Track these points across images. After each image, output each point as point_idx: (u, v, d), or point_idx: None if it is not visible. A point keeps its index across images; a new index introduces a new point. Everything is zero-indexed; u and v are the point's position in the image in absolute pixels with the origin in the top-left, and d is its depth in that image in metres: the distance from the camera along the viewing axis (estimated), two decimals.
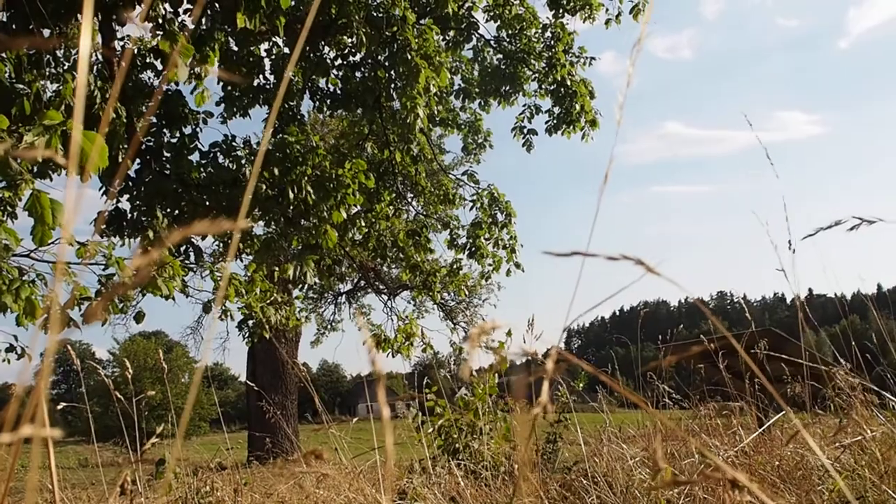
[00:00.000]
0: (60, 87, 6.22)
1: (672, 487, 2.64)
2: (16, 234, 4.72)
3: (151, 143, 7.31)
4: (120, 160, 6.45)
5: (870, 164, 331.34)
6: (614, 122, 0.98)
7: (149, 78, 7.66)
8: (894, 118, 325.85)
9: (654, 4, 11.80)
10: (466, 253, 12.11)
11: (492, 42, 12.32)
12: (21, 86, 5.92)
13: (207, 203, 7.16)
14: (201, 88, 8.15)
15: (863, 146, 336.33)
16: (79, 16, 6.32)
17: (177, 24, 6.64)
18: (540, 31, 11.81)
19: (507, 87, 12.46)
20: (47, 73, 6.55)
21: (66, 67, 6.89)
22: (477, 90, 13.38)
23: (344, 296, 24.76)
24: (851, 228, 1.63)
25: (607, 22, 11.77)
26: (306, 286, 8.66)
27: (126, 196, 7.14)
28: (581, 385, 6.18)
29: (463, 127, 15.45)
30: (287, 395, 19.09)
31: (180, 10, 6.78)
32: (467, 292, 18.36)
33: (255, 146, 7.86)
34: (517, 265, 12.15)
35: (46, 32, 6.39)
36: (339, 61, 9.41)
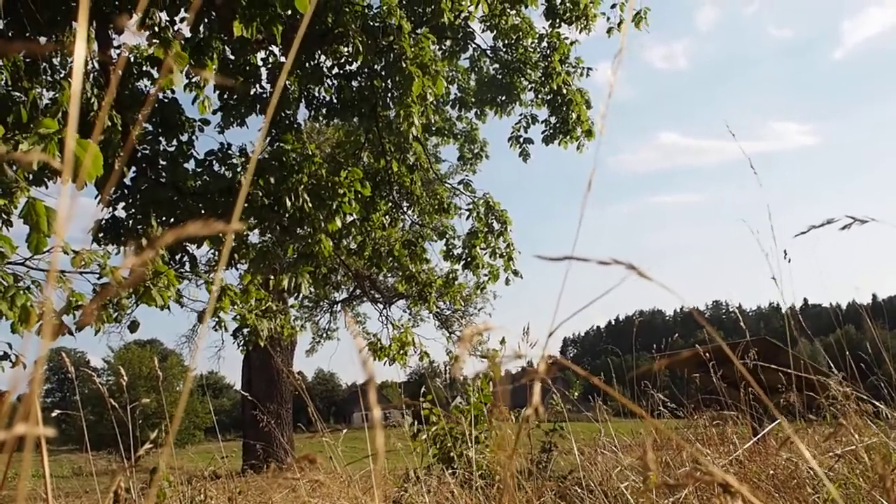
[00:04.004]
0: (57, 95, 6.23)
1: (661, 490, 2.64)
2: (11, 241, 4.71)
3: (147, 151, 7.31)
4: (116, 168, 6.45)
5: (860, 174, 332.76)
6: (607, 131, 0.99)
7: (145, 86, 7.67)
8: (885, 130, 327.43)
9: (647, 15, 11.84)
10: (462, 264, 12.11)
11: (488, 52, 12.36)
12: (17, 93, 5.93)
13: (203, 211, 7.16)
14: (202, 97, 8.16)
15: (854, 157, 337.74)
16: (74, 23, 6.33)
17: (171, 32, 6.66)
18: (536, 41, 11.85)
19: (504, 97, 12.48)
20: (44, 81, 6.56)
21: (62, 75, 6.90)
22: (473, 100, 13.40)
23: (339, 304, 24.73)
24: (844, 227, 1.63)
25: (609, 30, 11.79)
26: (301, 295, 8.65)
27: (122, 204, 7.14)
28: (576, 394, 6.17)
29: (459, 136, 15.48)
30: (282, 404, 19.04)
31: (177, 19, 6.80)
32: (463, 303, 18.37)
33: (251, 154, 7.87)
34: (515, 273, 12.14)
35: (43, 40, 6.40)
36: (336, 70, 9.43)
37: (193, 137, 7.63)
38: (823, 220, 1.70)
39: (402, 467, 5.14)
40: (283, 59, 8.78)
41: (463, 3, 9.49)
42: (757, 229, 2.91)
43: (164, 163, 7.36)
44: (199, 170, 7.54)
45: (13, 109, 5.64)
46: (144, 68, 7.48)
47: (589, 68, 11.99)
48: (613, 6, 11.70)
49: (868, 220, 1.63)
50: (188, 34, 7.11)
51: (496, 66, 12.40)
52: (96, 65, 6.69)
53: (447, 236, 13.71)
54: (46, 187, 6.63)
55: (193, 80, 8.03)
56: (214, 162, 7.62)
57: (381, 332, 19.12)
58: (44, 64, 6.58)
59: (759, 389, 1.00)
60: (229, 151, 7.72)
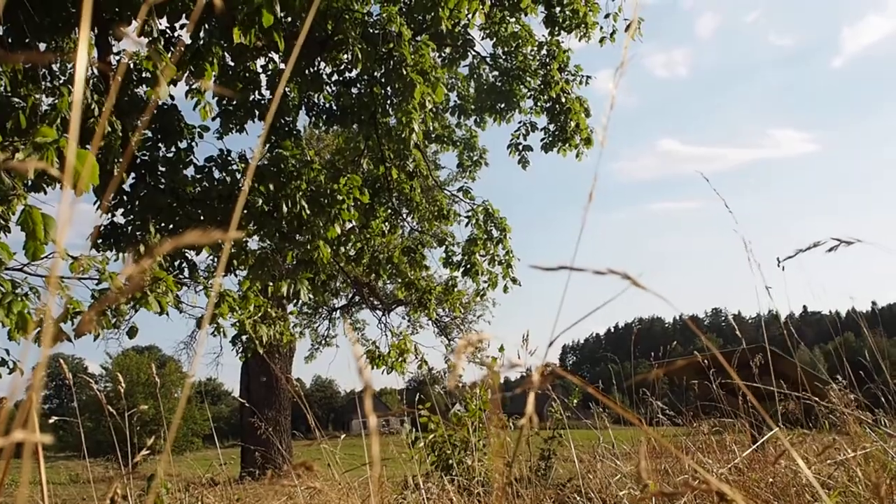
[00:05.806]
0: (56, 101, 6.23)
1: (659, 498, 2.63)
2: (8, 248, 4.71)
3: (146, 158, 7.31)
4: (115, 174, 6.46)
5: (859, 179, 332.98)
6: (607, 141, 0.99)
7: (144, 92, 7.67)
8: (883, 136, 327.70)
9: (642, 25, 11.92)
10: (461, 271, 12.10)
11: (487, 59, 12.39)
12: (17, 99, 5.93)
13: (202, 217, 7.16)
14: (203, 103, 8.17)
15: (853, 163, 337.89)
16: (76, 30, 6.34)
17: (167, 39, 6.67)
18: (535, 48, 11.89)
19: (503, 104, 12.50)
20: (43, 87, 6.56)
21: (61, 81, 6.90)
22: (472, 107, 13.42)
23: (338, 311, 24.71)
24: (830, 250, 1.64)
25: (602, 40, 11.85)
26: (300, 302, 8.66)
27: (121, 210, 7.13)
28: (575, 401, 6.17)
29: (458, 144, 15.49)
30: (280, 411, 19.01)
31: (177, 26, 6.81)
32: (462, 310, 18.37)
33: (250, 161, 7.87)
34: (514, 280, 12.14)
35: (42, 46, 6.40)
36: (335, 77, 9.45)
37: (193, 144, 7.64)
38: (810, 244, 1.71)
39: (401, 475, 5.13)
40: (282, 65, 8.80)
41: (462, 10, 9.52)
42: (750, 240, 2.91)
43: (163, 169, 7.36)
44: (198, 176, 7.54)
45: (12, 115, 5.65)
46: (144, 75, 7.49)
47: (588, 76, 12.03)
48: (607, 16, 11.77)
49: (853, 241, 1.63)
50: (188, 41, 7.12)
51: (495, 73, 12.42)
52: (96, 71, 6.70)
53: (446, 243, 13.71)
54: (45, 193, 6.63)
55: (194, 86, 8.04)
56: (214, 168, 7.62)
57: (380, 340, 19.13)
58: (43, 70, 6.59)
59: (754, 399, 1.00)
60: (229, 158, 7.72)
